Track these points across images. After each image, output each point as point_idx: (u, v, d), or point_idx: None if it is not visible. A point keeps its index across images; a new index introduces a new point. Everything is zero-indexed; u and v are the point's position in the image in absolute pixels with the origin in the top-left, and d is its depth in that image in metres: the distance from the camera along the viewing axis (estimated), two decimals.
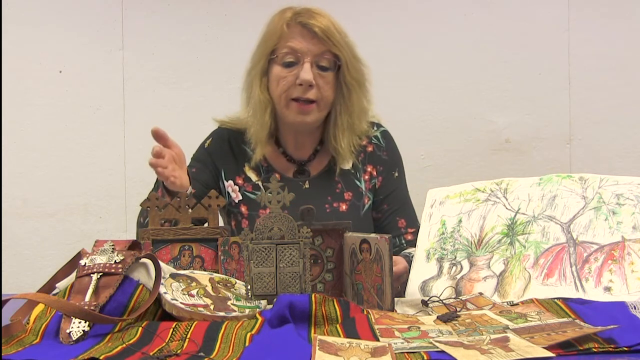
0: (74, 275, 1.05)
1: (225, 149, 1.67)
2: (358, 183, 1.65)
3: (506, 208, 1.28)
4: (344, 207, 1.62)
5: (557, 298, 1.07)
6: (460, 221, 1.31)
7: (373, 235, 1.13)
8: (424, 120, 2.58)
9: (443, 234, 1.31)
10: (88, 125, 2.58)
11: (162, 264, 1.06)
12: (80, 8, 2.59)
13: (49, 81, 2.57)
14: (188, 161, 1.68)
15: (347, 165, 1.65)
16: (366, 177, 1.66)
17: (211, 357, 0.81)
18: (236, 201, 1.62)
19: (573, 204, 1.22)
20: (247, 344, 0.85)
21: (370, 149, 1.68)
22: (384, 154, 1.69)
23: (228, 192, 1.64)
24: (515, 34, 2.56)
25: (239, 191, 1.63)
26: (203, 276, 1.12)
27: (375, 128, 1.71)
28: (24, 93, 2.57)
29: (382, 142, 1.70)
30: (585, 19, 2.54)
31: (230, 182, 1.64)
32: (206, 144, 1.70)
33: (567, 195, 1.24)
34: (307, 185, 1.63)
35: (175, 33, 2.60)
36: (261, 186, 1.62)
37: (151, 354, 0.81)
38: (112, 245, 1.07)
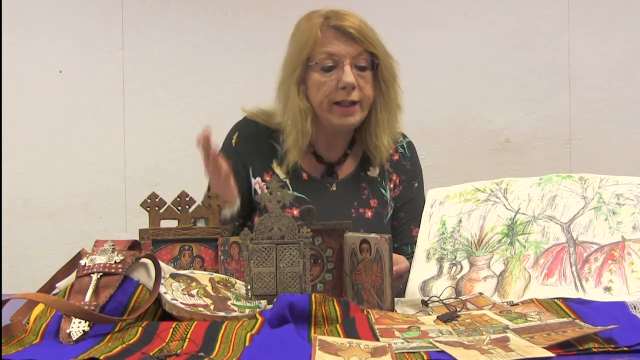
0: (74, 275, 1.05)
1: (253, 144, 1.65)
2: (383, 191, 1.65)
3: (506, 208, 1.28)
4: (369, 213, 1.62)
5: (557, 298, 1.07)
6: (460, 221, 1.31)
7: (373, 235, 1.13)
8: (424, 120, 2.58)
9: (443, 234, 1.31)
10: (88, 125, 2.58)
11: (162, 264, 1.06)
12: (80, 8, 2.58)
13: (49, 81, 2.57)
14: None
15: (374, 173, 1.66)
16: (391, 185, 1.67)
17: (211, 357, 0.81)
18: None
19: (573, 204, 1.22)
20: (247, 344, 0.85)
21: (396, 157, 1.70)
22: (408, 164, 1.70)
23: (255, 189, 1.63)
24: (515, 34, 2.56)
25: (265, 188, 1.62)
26: (203, 276, 1.12)
27: (402, 138, 1.73)
28: (24, 93, 2.57)
29: (407, 153, 1.72)
30: (585, 19, 2.54)
31: (258, 178, 1.62)
32: (234, 141, 1.67)
33: (567, 195, 1.24)
34: (334, 188, 1.63)
35: (175, 33, 2.59)
36: (288, 184, 1.60)
37: (151, 354, 0.81)
38: (112, 245, 1.07)
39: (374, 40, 1.56)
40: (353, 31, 1.53)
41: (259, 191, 1.61)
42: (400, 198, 1.68)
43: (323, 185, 1.62)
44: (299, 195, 1.58)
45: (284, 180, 1.61)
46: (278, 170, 1.63)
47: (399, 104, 1.64)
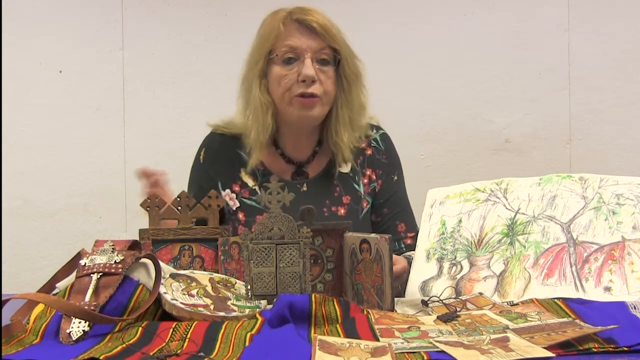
0: (74, 275, 1.05)
1: (219, 157, 1.64)
2: (356, 187, 1.64)
3: (506, 208, 1.28)
4: (342, 211, 1.61)
5: (557, 298, 1.07)
6: (460, 221, 1.31)
7: (373, 235, 1.13)
8: (424, 120, 2.58)
9: (443, 234, 1.31)
10: (88, 125, 2.58)
11: (162, 264, 1.06)
12: (81, 8, 2.59)
13: (49, 81, 2.58)
14: (187, 164, 1.69)
15: (346, 169, 1.65)
16: (365, 180, 1.65)
17: (211, 357, 0.81)
18: (234, 209, 1.60)
19: (573, 204, 1.22)
20: (247, 344, 0.85)
21: (369, 152, 1.67)
22: (383, 157, 1.68)
23: (225, 201, 1.61)
24: (515, 34, 2.56)
25: (236, 198, 1.60)
26: (203, 276, 1.12)
27: (374, 131, 1.70)
28: (24, 93, 2.57)
29: (381, 146, 1.69)
30: (585, 19, 2.54)
31: (228, 190, 1.61)
32: (201, 158, 1.67)
33: (567, 195, 1.24)
34: (305, 188, 1.61)
35: (175, 33, 2.60)
36: (258, 191, 1.59)
37: (151, 354, 0.82)
38: (112, 245, 1.07)
39: (337, 37, 1.55)
40: (316, 25, 1.52)
41: (230, 202, 1.60)
42: (381, 194, 1.66)
43: (293, 186, 1.60)
44: None
45: (254, 187, 1.60)
46: (247, 179, 1.61)
47: (363, 103, 1.62)
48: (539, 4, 2.56)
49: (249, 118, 1.59)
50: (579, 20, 2.55)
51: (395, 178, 1.69)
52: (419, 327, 0.93)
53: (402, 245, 1.62)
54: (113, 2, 2.58)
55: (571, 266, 1.14)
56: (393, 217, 1.65)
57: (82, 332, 0.91)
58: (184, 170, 2.55)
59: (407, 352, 0.81)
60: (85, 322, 0.92)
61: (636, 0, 2.55)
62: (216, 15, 2.60)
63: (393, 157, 1.71)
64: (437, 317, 0.99)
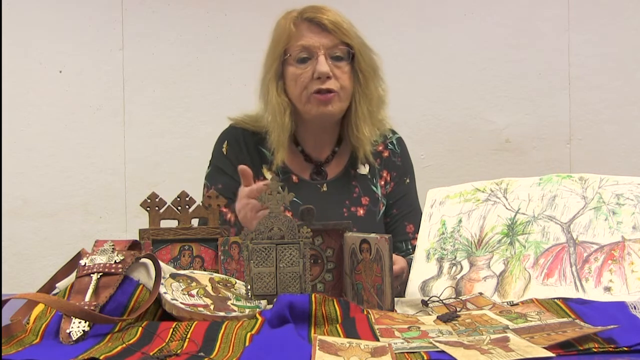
0: (74, 275, 1.05)
1: (242, 151, 1.64)
2: (374, 189, 1.65)
3: (506, 208, 1.28)
4: (361, 211, 1.61)
5: (557, 298, 1.07)
6: (460, 221, 1.31)
7: (373, 235, 1.13)
8: (424, 120, 2.58)
9: (443, 234, 1.31)
10: (88, 125, 2.58)
11: (162, 264, 1.06)
12: (81, 8, 2.59)
13: (49, 81, 2.58)
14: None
15: (364, 170, 1.65)
16: (382, 182, 1.66)
17: (211, 357, 0.81)
18: None
19: (573, 204, 1.22)
20: (247, 344, 0.85)
21: (386, 154, 1.69)
22: (398, 160, 1.70)
23: None
24: (515, 34, 2.56)
25: None
26: (203, 276, 1.12)
27: (391, 134, 1.72)
28: (24, 93, 2.57)
29: (397, 149, 1.71)
30: (585, 19, 2.55)
31: None
32: (224, 150, 1.66)
33: (567, 195, 1.24)
34: (325, 188, 1.62)
35: (175, 33, 2.60)
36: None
37: (151, 354, 0.81)
38: (112, 245, 1.07)
39: (349, 32, 1.55)
40: (327, 22, 1.53)
41: None
42: (392, 195, 1.68)
43: (314, 186, 1.62)
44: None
45: None
46: (268, 175, 1.62)
47: (381, 97, 1.63)
48: (539, 4, 2.56)
49: (268, 120, 1.60)
50: (579, 20, 2.55)
51: (407, 181, 1.70)
52: (419, 327, 0.93)
53: (409, 246, 1.62)
54: (113, 2, 2.58)
55: (571, 266, 1.14)
56: (402, 217, 1.66)
57: (82, 332, 0.91)
58: (184, 170, 2.56)
59: (407, 352, 0.81)
60: (85, 322, 0.92)
61: (636, 0, 2.55)
62: (216, 15, 2.60)
63: (407, 161, 1.73)
64: (437, 317, 0.99)
